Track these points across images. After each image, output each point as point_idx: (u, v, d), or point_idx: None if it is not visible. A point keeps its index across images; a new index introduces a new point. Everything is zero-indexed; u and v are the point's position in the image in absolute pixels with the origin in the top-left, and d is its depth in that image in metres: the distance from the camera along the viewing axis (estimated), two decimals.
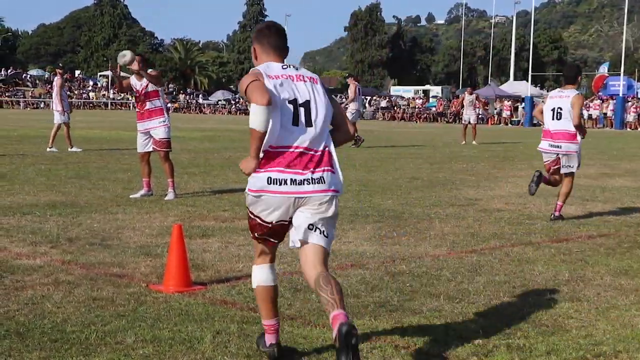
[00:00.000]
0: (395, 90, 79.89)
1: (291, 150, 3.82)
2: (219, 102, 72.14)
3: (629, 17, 52.10)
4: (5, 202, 9.52)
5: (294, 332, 4.56)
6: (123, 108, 64.97)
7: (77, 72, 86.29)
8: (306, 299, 5.28)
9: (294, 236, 3.89)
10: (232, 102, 72.04)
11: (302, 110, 3.86)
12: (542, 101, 9.69)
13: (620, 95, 49.09)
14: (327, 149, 3.91)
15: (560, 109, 9.10)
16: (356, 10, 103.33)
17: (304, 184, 3.81)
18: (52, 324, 4.61)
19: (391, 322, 4.80)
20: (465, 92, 27.33)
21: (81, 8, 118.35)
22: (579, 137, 9.13)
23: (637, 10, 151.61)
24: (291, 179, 3.81)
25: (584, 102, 9.21)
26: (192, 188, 11.38)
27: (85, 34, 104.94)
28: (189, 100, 73.70)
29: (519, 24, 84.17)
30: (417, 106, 61.52)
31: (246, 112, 59.30)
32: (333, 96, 4.17)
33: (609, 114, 49.13)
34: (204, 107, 70.84)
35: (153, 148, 10.34)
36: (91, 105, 69.18)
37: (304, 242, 3.87)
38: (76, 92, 69.80)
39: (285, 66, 3.98)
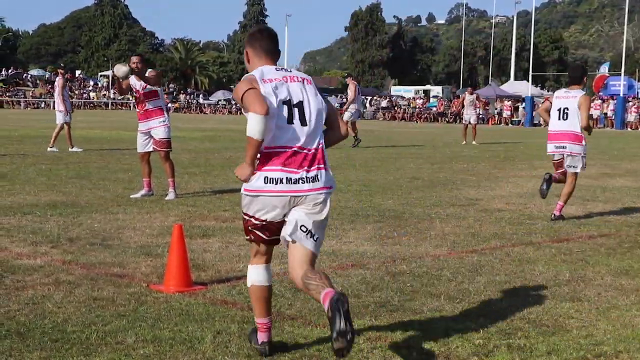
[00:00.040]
0: (396, 90, 79.88)
1: (286, 149, 3.91)
2: (220, 102, 72.12)
3: (630, 17, 52.09)
4: (6, 202, 9.52)
5: (294, 332, 4.56)
6: (123, 108, 64.97)
7: (77, 72, 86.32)
8: (307, 299, 5.28)
9: (286, 231, 3.96)
10: (233, 102, 72.04)
11: (296, 110, 3.95)
12: (548, 99, 9.69)
13: (621, 95, 49.07)
14: (320, 147, 4.00)
15: (567, 109, 9.09)
16: (357, 10, 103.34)
17: (299, 182, 3.90)
18: (53, 324, 4.61)
19: (392, 322, 4.80)
20: (466, 92, 27.32)
21: (82, 8, 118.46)
22: (584, 139, 9.15)
23: (637, 10, 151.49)
24: (287, 178, 3.89)
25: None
26: (192, 188, 11.38)
27: (85, 34, 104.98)
28: (190, 100, 73.69)
29: (519, 24, 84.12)
30: (417, 106, 61.51)
31: None
32: (326, 96, 4.27)
33: (610, 114, 49.12)
34: (205, 107, 70.82)
35: (153, 148, 10.34)
36: (92, 105, 69.18)
37: (294, 241, 3.96)
38: (77, 92, 69.80)
39: (279, 68, 4.07)
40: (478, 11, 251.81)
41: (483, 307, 5.22)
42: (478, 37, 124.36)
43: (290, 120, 3.92)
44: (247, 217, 4.05)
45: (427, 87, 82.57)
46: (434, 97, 70.44)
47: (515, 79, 69.44)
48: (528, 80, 58.59)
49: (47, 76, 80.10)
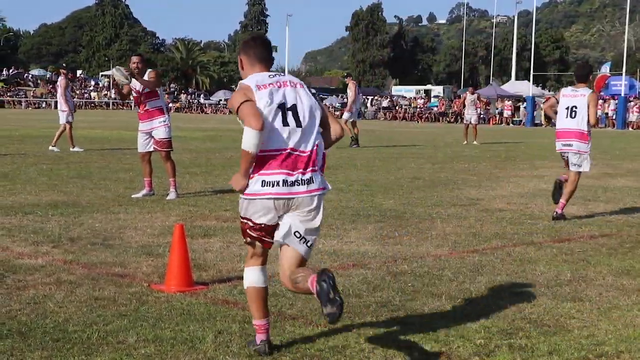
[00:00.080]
0: (397, 90, 79.86)
1: (281, 152, 4.01)
2: (221, 102, 72.12)
3: (631, 16, 52.08)
4: (7, 202, 9.53)
5: (295, 332, 4.56)
6: (125, 108, 64.96)
7: (78, 72, 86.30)
8: (308, 299, 5.27)
9: (279, 233, 4.08)
10: None
11: (290, 113, 4.07)
12: (549, 98, 9.74)
13: (622, 95, 49.05)
14: (315, 149, 4.08)
15: (576, 107, 9.15)
16: (357, 10, 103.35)
17: (295, 185, 4.01)
18: (54, 324, 4.62)
19: (393, 322, 4.80)
20: (467, 92, 27.32)
21: (83, 8, 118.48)
22: (589, 138, 9.21)
23: (639, 9, 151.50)
24: (283, 180, 3.99)
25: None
26: (193, 188, 11.38)
27: (86, 33, 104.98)
28: (191, 100, 73.69)
29: (520, 24, 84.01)
30: (418, 106, 61.49)
31: None
32: (322, 96, 4.37)
33: (611, 113, 49.10)
34: (206, 107, 70.82)
35: (154, 148, 10.35)
36: (93, 105, 69.22)
37: (287, 244, 4.09)
38: (78, 92, 69.81)
39: (272, 74, 4.19)
40: (479, 11, 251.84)
41: (484, 307, 5.22)
42: (479, 37, 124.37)
43: (285, 122, 4.03)
44: (244, 220, 4.14)
45: (428, 87, 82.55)
46: (435, 97, 70.41)
47: (517, 78, 69.41)
48: (529, 80, 58.57)
49: (48, 76, 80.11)
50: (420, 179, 13.43)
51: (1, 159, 15.32)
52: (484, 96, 52.53)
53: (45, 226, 7.89)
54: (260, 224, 4.06)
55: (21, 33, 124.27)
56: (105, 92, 74.53)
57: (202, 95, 78.90)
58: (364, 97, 65.53)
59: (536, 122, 50.87)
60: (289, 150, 4.00)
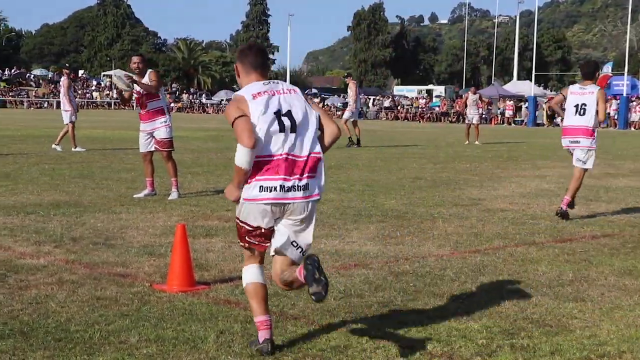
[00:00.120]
0: (399, 90, 79.88)
1: (277, 157, 4.11)
2: (222, 102, 72.14)
3: (633, 16, 52.04)
4: (9, 202, 9.53)
5: (297, 332, 4.56)
6: (126, 108, 64.78)
7: (80, 72, 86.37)
8: (309, 298, 5.27)
9: (277, 242, 4.22)
10: None
11: (285, 119, 4.15)
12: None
13: (624, 94, 49.00)
14: (311, 154, 4.18)
15: (585, 105, 9.22)
16: (359, 10, 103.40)
17: (291, 190, 4.12)
18: (56, 324, 4.62)
19: (395, 322, 4.80)
20: (469, 92, 27.31)
21: (84, 8, 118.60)
22: (595, 135, 9.30)
23: None
24: (280, 186, 4.10)
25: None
26: (195, 188, 11.39)
27: (88, 33, 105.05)
28: (192, 100, 73.73)
29: (522, 24, 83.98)
30: (420, 106, 61.48)
31: None
32: (314, 100, 4.46)
33: (613, 113, 49.04)
34: (207, 107, 70.85)
35: (155, 148, 10.35)
36: (94, 105, 69.27)
37: (284, 253, 4.25)
38: (80, 91, 69.86)
39: (266, 82, 4.28)
40: (481, 11, 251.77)
41: (486, 307, 5.21)
42: (481, 37, 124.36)
43: (281, 129, 4.13)
44: (242, 224, 4.22)
45: (430, 86, 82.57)
46: (437, 96, 70.42)
47: (518, 78, 69.40)
48: (531, 80, 58.53)
49: (50, 76, 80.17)
50: (422, 179, 13.43)
51: (3, 159, 15.33)
52: (485, 96, 52.49)
53: (47, 226, 7.89)
54: (257, 227, 4.17)
55: (23, 33, 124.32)
56: (107, 92, 74.56)
57: (203, 95, 78.94)
58: (365, 97, 65.59)
59: (538, 122, 50.83)
60: (284, 156, 4.10)
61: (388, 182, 12.79)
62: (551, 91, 72.90)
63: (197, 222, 8.32)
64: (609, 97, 51.30)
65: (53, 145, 18.06)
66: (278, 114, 4.14)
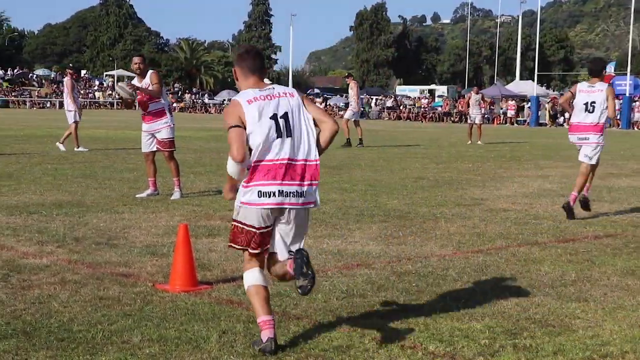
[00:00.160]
0: (401, 89, 79.85)
1: (276, 162, 4.19)
2: (225, 102, 72.19)
3: (636, 16, 51.97)
4: (12, 202, 9.55)
5: (299, 332, 4.56)
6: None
7: (83, 72, 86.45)
8: (312, 299, 5.28)
9: (275, 248, 4.31)
10: None
11: (282, 123, 4.23)
12: (569, 90, 9.90)
13: (627, 94, 48.89)
14: (311, 160, 4.24)
15: (594, 102, 9.33)
16: (362, 10, 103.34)
17: (290, 196, 4.20)
18: (59, 323, 4.62)
19: (397, 322, 4.80)
20: (472, 92, 27.29)
21: (87, 8, 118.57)
22: (603, 130, 9.40)
23: None
24: (279, 191, 4.18)
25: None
26: (198, 187, 11.39)
27: (91, 33, 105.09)
28: (195, 100, 73.75)
29: (524, 24, 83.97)
30: (422, 106, 61.44)
31: None
32: (310, 98, 4.58)
33: (615, 113, 48.98)
34: (210, 107, 70.85)
35: (157, 148, 10.36)
36: (97, 105, 69.32)
37: (273, 251, 4.37)
38: (82, 91, 69.91)
39: (263, 88, 4.35)
40: (483, 11, 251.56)
41: (489, 307, 5.21)
42: (483, 37, 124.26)
43: (278, 134, 4.21)
44: (241, 225, 4.28)
45: (432, 86, 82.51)
46: (439, 96, 70.37)
47: (521, 78, 69.34)
48: (533, 80, 58.46)
49: (52, 76, 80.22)
50: (424, 179, 13.42)
51: (6, 159, 15.35)
52: (488, 96, 52.45)
53: (49, 226, 7.90)
54: (252, 225, 4.22)
55: (26, 33, 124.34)
56: (110, 91, 74.62)
57: (206, 95, 78.94)
58: (368, 97, 65.56)
59: (540, 122, 50.78)
60: (280, 161, 4.18)
61: (390, 182, 12.79)
62: (553, 91, 72.81)
63: (200, 222, 8.32)
64: None
65: (57, 143, 18.15)
66: (275, 118, 4.21)
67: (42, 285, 5.50)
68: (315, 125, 4.36)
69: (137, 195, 10.26)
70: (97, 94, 73.88)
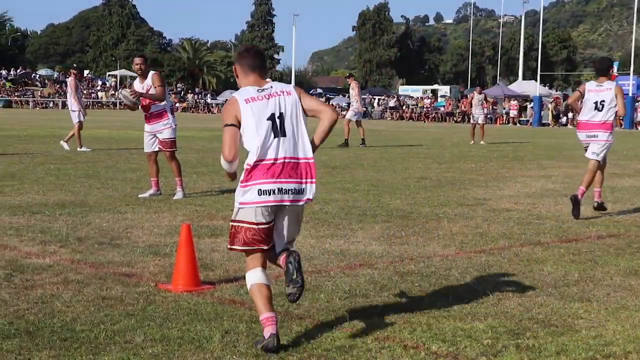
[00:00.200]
0: (404, 89, 79.80)
1: (273, 160, 4.27)
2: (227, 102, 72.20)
3: (639, 16, 51.82)
4: (15, 202, 9.56)
5: (302, 332, 4.56)
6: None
7: (85, 72, 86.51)
8: (314, 298, 5.28)
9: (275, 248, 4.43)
10: None
11: (279, 122, 4.32)
12: (577, 89, 9.95)
13: (630, 94, 48.80)
14: (304, 158, 4.34)
15: (603, 101, 9.42)
16: (364, 10, 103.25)
17: (288, 193, 4.29)
18: (62, 323, 4.63)
19: (400, 322, 4.80)
20: (475, 92, 27.27)
21: (90, 8, 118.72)
22: (614, 129, 9.49)
23: None
24: (278, 189, 4.27)
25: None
26: (200, 187, 11.40)
27: (94, 33, 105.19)
28: (197, 100, 73.77)
29: (527, 24, 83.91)
30: (425, 106, 61.41)
31: None
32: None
33: None
34: (213, 107, 70.83)
35: (159, 148, 10.37)
36: (100, 104, 69.39)
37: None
38: (85, 91, 69.96)
39: (262, 89, 4.41)
40: (486, 10, 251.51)
41: (491, 307, 5.21)
42: (486, 37, 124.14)
43: (276, 133, 4.30)
44: (235, 224, 4.35)
45: (435, 86, 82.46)
46: (442, 96, 70.31)
47: (524, 78, 69.27)
48: (536, 80, 58.41)
49: (55, 76, 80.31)
50: (427, 179, 13.42)
51: (9, 159, 15.37)
52: (491, 96, 52.40)
53: (52, 226, 7.91)
54: (253, 222, 4.29)
55: (29, 33, 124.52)
56: (112, 91, 74.69)
57: (209, 95, 78.95)
58: (370, 97, 65.54)
59: (543, 122, 50.72)
60: (280, 159, 4.27)
61: (393, 182, 12.78)
62: (556, 91, 72.76)
63: (202, 222, 8.32)
64: None
65: (61, 142, 18.23)
66: (272, 117, 4.29)
67: (45, 285, 5.50)
68: (315, 117, 4.45)
69: (139, 195, 10.27)
70: (99, 94, 73.97)
